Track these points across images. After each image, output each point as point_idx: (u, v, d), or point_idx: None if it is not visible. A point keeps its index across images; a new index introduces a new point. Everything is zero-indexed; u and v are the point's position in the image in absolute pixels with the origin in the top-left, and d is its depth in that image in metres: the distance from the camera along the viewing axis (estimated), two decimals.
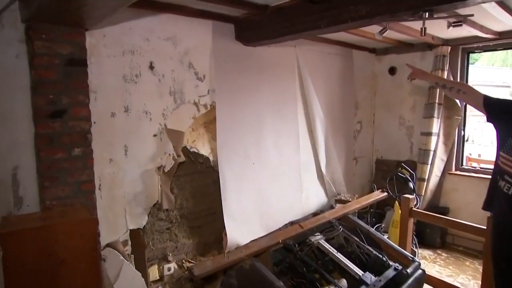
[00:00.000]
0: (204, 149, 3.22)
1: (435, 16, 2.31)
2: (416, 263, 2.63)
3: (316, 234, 2.62)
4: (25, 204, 2.27)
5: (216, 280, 2.82)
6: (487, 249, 2.78)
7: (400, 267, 2.49)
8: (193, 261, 3.13)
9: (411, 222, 3.38)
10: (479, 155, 7.36)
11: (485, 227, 2.84)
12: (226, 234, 3.22)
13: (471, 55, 4.64)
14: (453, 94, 2.83)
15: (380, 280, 2.42)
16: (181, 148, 3.02)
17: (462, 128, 4.57)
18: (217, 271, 2.39)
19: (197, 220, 3.29)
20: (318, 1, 2.53)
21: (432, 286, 3.11)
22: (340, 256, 2.44)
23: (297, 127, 3.93)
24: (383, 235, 4.06)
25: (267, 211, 3.59)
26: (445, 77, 4.29)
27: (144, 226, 2.87)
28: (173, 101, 2.96)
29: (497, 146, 2.34)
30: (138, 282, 2.65)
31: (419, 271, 2.61)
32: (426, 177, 4.43)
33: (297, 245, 2.46)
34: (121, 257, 2.63)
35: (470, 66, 4.63)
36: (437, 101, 4.36)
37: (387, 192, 3.88)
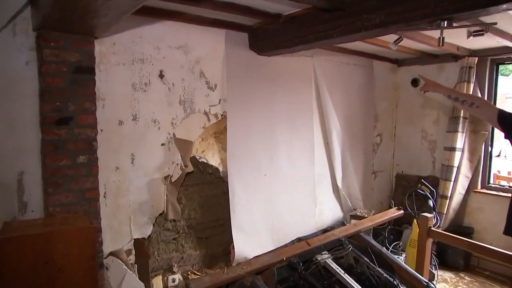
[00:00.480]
0: (213, 160, 3.17)
1: (454, 25, 2.18)
2: None
3: (324, 252, 2.50)
4: (29, 210, 2.28)
5: None
6: None
7: None
8: (199, 273, 3.07)
9: (429, 242, 3.19)
10: (509, 173, 6.97)
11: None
12: (234, 247, 3.16)
13: (505, 66, 4.40)
14: (466, 108, 2.71)
15: None
16: (189, 158, 2.98)
17: (490, 143, 4.32)
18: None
19: (205, 232, 3.23)
20: (330, 9, 2.44)
21: None
22: (347, 277, 2.31)
23: (312, 139, 3.83)
24: (401, 254, 3.88)
25: (278, 225, 3.50)
26: (471, 89, 4.08)
27: (149, 236, 2.84)
28: (183, 110, 2.93)
29: None
30: None
31: None
32: (449, 195, 4.21)
33: (301, 264, 2.35)
34: (124, 266, 2.60)
35: (503, 78, 4.39)
36: (462, 114, 4.15)
37: (406, 209, 3.69)
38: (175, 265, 2.99)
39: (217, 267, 3.20)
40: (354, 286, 2.25)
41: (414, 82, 4.78)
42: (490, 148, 4.33)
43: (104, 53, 2.51)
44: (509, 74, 15.25)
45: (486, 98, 4.16)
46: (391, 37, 2.98)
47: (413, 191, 3.91)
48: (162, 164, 2.85)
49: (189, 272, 3.06)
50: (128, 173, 2.67)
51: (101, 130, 2.50)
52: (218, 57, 3.11)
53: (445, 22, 2.10)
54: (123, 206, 2.67)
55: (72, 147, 2.30)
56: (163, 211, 2.89)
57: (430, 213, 3.42)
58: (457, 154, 4.19)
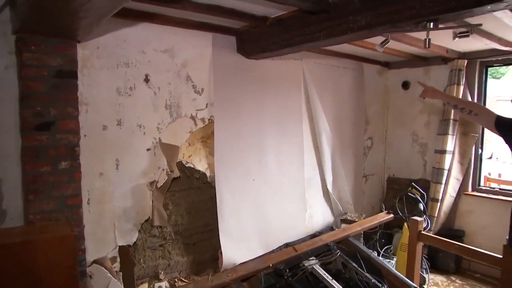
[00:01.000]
0: (200, 165, 3.13)
1: (440, 26, 2.16)
2: None
3: (311, 258, 2.46)
4: (9, 218, 2.22)
5: None
6: (504, 278, 2.56)
7: None
8: (186, 280, 3.02)
9: (419, 246, 3.16)
10: (499, 175, 6.98)
11: (501, 256, 2.59)
12: (222, 253, 3.11)
13: (496, 69, 4.41)
14: (464, 115, 2.70)
15: None
16: (175, 163, 2.94)
17: (480, 146, 4.32)
18: None
19: (192, 238, 3.18)
20: (316, 12, 2.42)
21: None
22: (334, 283, 2.27)
23: (301, 142, 3.79)
24: (392, 258, 3.85)
25: (267, 230, 3.46)
26: (461, 92, 4.09)
27: (135, 243, 2.78)
28: (169, 114, 2.89)
29: None
30: None
31: None
32: (440, 198, 4.19)
33: (288, 270, 2.31)
34: (109, 274, 2.55)
35: (495, 81, 4.41)
36: (452, 117, 4.14)
37: (396, 212, 3.67)
38: (162, 272, 2.93)
39: (205, 274, 3.14)
40: None
41: (405, 85, 4.78)
42: (480, 151, 4.33)
43: (87, 57, 2.46)
44: (500, 77, 15.38)
45: (476, 101, 4.16)
46: (380, 40, 2.97)
47: (404, 195, 3.90)
48: (148, 169, 2.80)
49: (176, 279, 3.01)
50: (112, 179, 2.62)
51: (85, 135, 2.45)
52: (205, 60, 3.07)
53: (431, 23, 2.08)
54: (107, 212, 2.61)
55: (53, 153, 2.24)
56: (149, 217, 2.84)
57: (420, 216, 3.39)
58: (448, 157, 4.18)
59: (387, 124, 5.05)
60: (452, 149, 4.20)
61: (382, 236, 4.15)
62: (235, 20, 2.82)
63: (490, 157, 12.21)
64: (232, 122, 3.21)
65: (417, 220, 3.11)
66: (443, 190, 4.20)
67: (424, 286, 3.62)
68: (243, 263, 2.58)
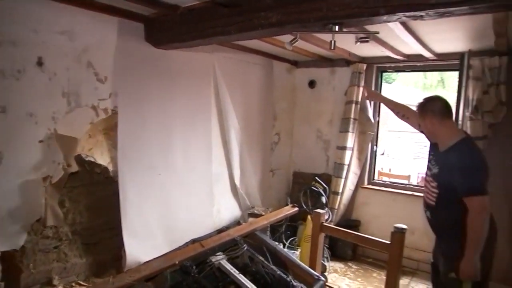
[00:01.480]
0: (102, 159, 2.90)
1: (344, 30, 2.29)
2: (321, 281, 2.57)
3: (218, 253, 2.44)
4: None
5: None
6: (391, 261, 2.84)
7: (304, 287, 2.41)
8: (84, 284, 2.78)
9: (321, 237, 3.35)
10: (390, 170, 7.77)
11: (389, 242, 2.87)
12: (125, 252, 2.93)
13: (389, 74, 4.84)
14: (399, 117, 3.00)
15: None
16: (73, 157, 2.68)
17: (375, 143, 4.73)
18: None
19: (93, 237, 2.94)
20: (228, 4, 2.39)
21: None
22: (241, 277, 2.29)
23: (210, 137, 3.75)
24: (297, 249, 4.03)
25: (174, 226, 3.35)
26: (361, 93, 4.41)
27: (22, 246, 2.47)
28: (67, 103, 2.61)
29: None
30: None
31: None
32: (340, 191, 4.50)
33: (195, 267, 2.26)
34: None
35: (388, 85, 4.84)
36: (352, 116, 4.46)
37: (301, 206, 3.85)
38: (56, 277, 2.66)
39: (106, 275, 2.93)
40: (249, 285, 2.24)
41: (311, 84, 5.01)
42: (375, 148, 4.74)
43: None
44: (392, 82, 17.14)
45: (373, 102, 4.54)
46: (289, 38, 3.05)
47: (308, 188, 4.09)
48: (40, 163, 2.50)
49: (73, 284, 2.75)
50: None
51: None
52: (109, 47, 2.84)
53: (336, 26, 2.19)
54: None
55: None
56: (41, 217, 2.54)
57: (323, 209, 3.60)
58: (348, 153, 4.50)
59: (293, 121, 5.26)
60: (351, 146, 4.53)
61: (288, 229, 4.32)
62: (144, 6, 2.65)
63: (383, 154, 13.51)
64: (138, 114, 3.03)
65: (319, 213, 3.29)
66: (343, 184, 4.51)
67: (325, 273, 3.85)
68: (147, 261, 2.46)
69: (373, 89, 4.59)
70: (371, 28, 2.74)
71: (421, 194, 2.70)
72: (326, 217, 3.44)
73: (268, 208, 4.11)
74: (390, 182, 5.06)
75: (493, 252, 2.36)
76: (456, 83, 3.57)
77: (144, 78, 3.08)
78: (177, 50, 3.29)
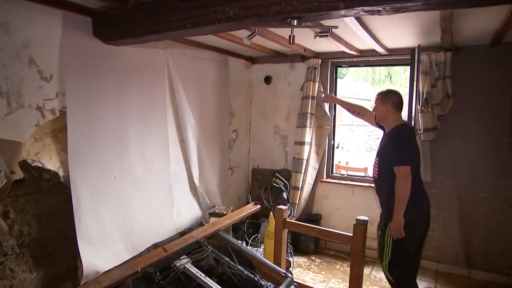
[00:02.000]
0: (51, 163, 2.69)
1: (303, 24, 2.27)
2: (289, 278, 2.55)
3: (183, 257, 2.35)
4: None
5: None
6: (354, 253, 2.89)
7: (272, 286, 2.38)
8: None
9: (285, 233, 3.34)
10: (347, 163, 7.98)
11: (351, 235, 2.90)
12: (81, 262, 2.75)
13: (340, 69, 4.94)
14: (356, 115, 3.43)
15: None
16: (17, 163, 2.46)
17: (332, 137, 4.81)
18: None
19: (44, 248, 2.73)
20: None
21: None
22: (208, 280, 2.21)
23: (166, 136, 3.61)
24: (260, 246, 4.01)
25: (132, 231, 3.20)
26: (317, 88, 4.46)
27: None
28: (6, 104, 2.38)
29: None
30: None
31: (292, 287, 2.54)
32: (300, 186, 4.53)
33: (158, 273, 2.16)
34: None
35: (339, 80, 4.93)
36: (309, 111, 4.49)
37: (262, 202, 3.82)
38: None
39: None
40: None
41: (267, 80, 4.99)
42: (332, 141, 4.82)
43: None
44: (343, 77, 17.66)
45: None
46: (246, 33, 2.99)
47: (269, 185, 4.07)
48: None
49: None
50: None
51: None
52: (53, 42, 2.63)
53: (295, 20, 2.16)
54: None
55: None
56: None
57: (284, 205, 3.59)
58: (306, 148, 4.54)
59: (250, 117, 5.22)
60: (309, 141, 4.57)
61: (250, 226, 4.28)
62: None
63: (337, 147, 13.92)
64: (89, 114, 2.85)
65: (282, 209, 3.27)
66: (303, 179, 4.54)
67: (290, 269, 3.86)
68: (107, 271, 2.31)
69: (328, 84, 4.66)
70: (326, 23, 2.76)
71: None
72: (288, 212, 3.43)
73: (229, 207, 4.05)
74: (348, 175, 5.17)
75: (420, 230, 2.79)
76: (402, 78, 3.77)
77: (94, 76, 2.89)
78: (129, 46, 3.13)
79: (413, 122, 3.37)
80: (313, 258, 4.47)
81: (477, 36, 3.45)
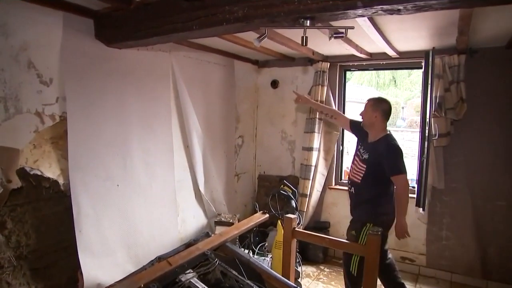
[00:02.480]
0: (51, 171, 2.58)
1: (317, 25, 2.15)
2: None
3: (188, 271, 2.22)
4: None
5: None
6: (368, 264, 2.74)
7: None
8: None
9: (294, 243, 3.20)
10: None
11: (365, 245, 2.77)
12: (82, 273, 2.63)
13: (347, 73, 4.82)
14: (327, 118, 3.63)
15: None
16: (15, 171, 2.34)
17: (341, 143, 4.68)
18: None
19: (43, 260, 2.61)
20: None
21: None
22: None
23: (171, 142, 3.49)
24: (267, 255, 3.86)
25: (135, 240, 3.08)
26: (325, 93, 4.34)
27: None
28: (3, 109, 2.28)
29: None
30: None
31: None
32: (308, 193, 4.40)
33: None
34: None
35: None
36: (317, 116, 4.37)
37: (270, 211, 3.68)
38: None
39: None
40: None
41: (274, 84, 4.88)
42: (341, 147, 4.69)
43: None
44: (347, 81, 17.55)
45: (337, 101, 4.49)
46: (253, 36, 2.88)
47: (276, 193, 3.94)
48: None
49: None
50: None
51: None
52: (54, 45, 2.53)
53: (308, 21, 2.04)
54: None
55: None
56: None
57: (293, 213, 3.45)
58: (314, 154, 4.41)
59: (257, 122, 5.10)
60: (318, 146, 4.44)
61: (257, 235, 4.15)
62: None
63: (347, 153, 13.78)
64: (90, 119, 2.73)
65: (290, 218, 3.12)
66: (311, 186, 4.41)
67: (298, 280, 3.72)
68: (109, 286, 2.19)
69: (337, 88, 4.53)
70: (339, 23, 2.63)
71: None
72: (297, 221, 3.30)
73: (235, 215, 3.92)
74: None
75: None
76: (407, 82, 3.71)
77: (96, 80, 2.78)
78: (132, 49, 3.03)
79: (427, 128, 3.23)
80: (322, 267, 4.32)
81: (493, 37, 3.33)
